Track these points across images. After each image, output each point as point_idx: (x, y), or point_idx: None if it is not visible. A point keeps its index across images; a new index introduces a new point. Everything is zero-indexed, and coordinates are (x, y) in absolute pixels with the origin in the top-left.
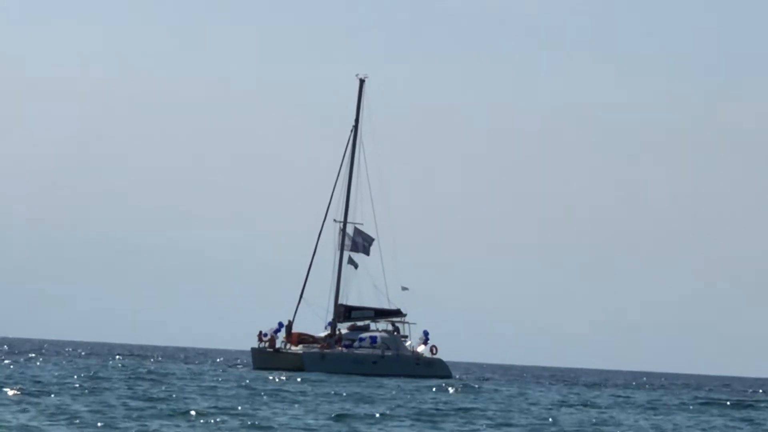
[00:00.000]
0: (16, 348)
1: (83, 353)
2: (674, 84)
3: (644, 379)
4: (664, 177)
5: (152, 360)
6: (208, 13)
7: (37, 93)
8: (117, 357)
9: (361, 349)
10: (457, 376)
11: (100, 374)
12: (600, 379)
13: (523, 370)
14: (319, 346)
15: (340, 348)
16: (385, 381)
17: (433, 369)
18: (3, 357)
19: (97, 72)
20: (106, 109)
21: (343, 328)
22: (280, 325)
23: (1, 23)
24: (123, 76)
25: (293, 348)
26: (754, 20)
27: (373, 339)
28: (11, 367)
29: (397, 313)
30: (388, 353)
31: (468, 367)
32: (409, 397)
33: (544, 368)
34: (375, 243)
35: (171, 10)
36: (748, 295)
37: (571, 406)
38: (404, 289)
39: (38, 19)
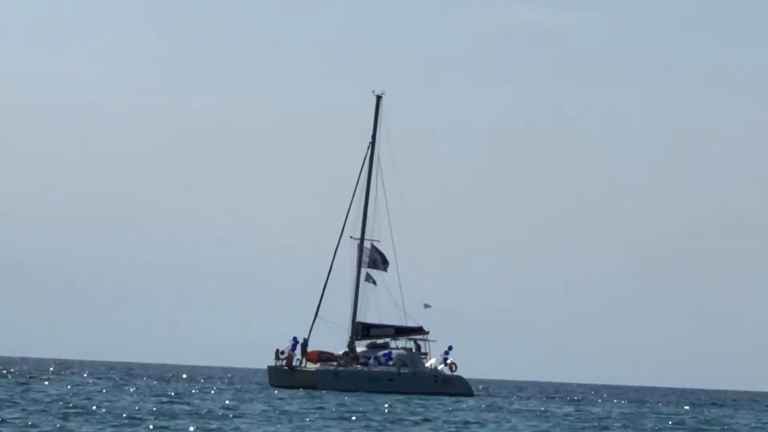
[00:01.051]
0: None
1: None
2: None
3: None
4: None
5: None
6: (224, 29)
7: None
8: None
9: (375, 367)
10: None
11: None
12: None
13: (545, 386)
14: (335, 364)
15: (356, 366)
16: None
17: (453, 387)
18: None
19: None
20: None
21: (363, 346)
22: (295, 340)
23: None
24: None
25: (309, 366)
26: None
27: (388, 356)
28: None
29: (419, 330)
30: (405, 371)
31: (491, 384)
32: None
33: (578, 384)
34: (392, 260)
35: (186, 28)
36: None
37: None
38: (426, 306)
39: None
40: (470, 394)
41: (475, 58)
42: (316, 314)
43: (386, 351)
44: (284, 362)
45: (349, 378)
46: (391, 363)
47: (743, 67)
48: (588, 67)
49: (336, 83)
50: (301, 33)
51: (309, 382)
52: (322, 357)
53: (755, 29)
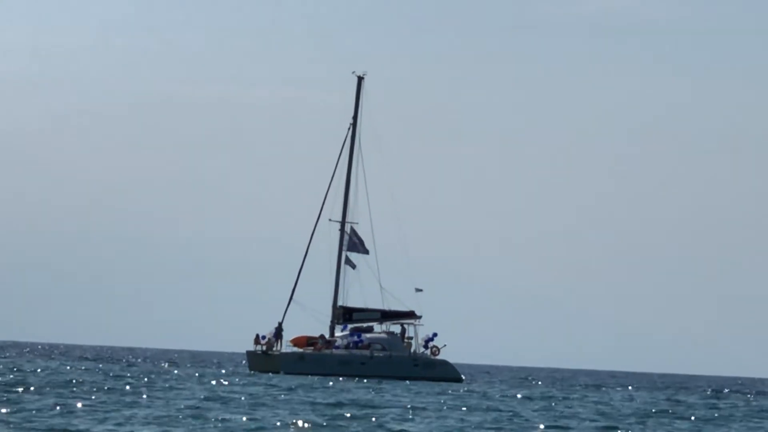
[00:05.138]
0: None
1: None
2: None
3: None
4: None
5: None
6: (202, 16)
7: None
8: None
9: (344, 348)
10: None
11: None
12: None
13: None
14: (313, 348)
15: (331, 350)
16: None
17: (436, 371)
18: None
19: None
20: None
21: (347, 331)
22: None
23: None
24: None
25: (284, 350)
26: None
27: (359, 339)
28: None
29: (411, 314)
30: (379, 354)
31: (482, 370)
32: None
33: (563, 370)
34: (372, 243)
35: (174, 12)
36: None
37: None
38: (418, 290)
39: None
40: (457, 380)
41: (457, 38)
42: (291, 298)
43: (357, 334)
44: (264, 347)
45: (316, 362)
46: (362, 345)
47: None
48: (565, 47)
49: (316, 63)
50: (285, 12)
51: (277, 367)
52: (311, 342)
53: None
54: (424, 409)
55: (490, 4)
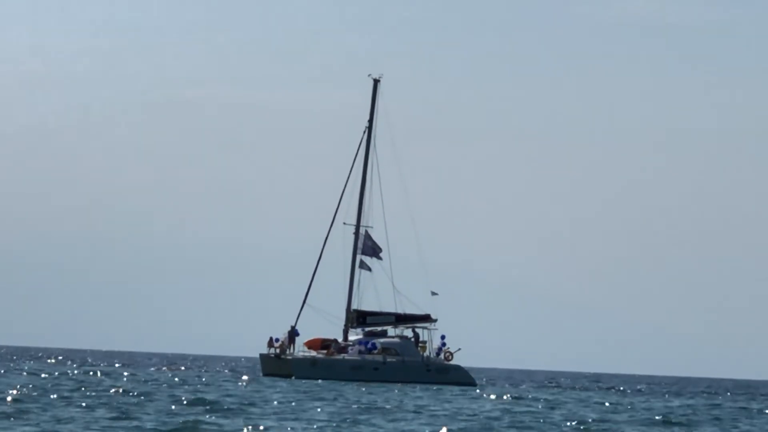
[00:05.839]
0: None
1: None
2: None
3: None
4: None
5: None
6: (216, 17)
7: None
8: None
9: (358, 355)
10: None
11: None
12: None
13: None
14: (326, 352)
15: (342, 355)
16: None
17: (450, 376)
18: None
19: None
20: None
21: (360, 335)
22: (296, 332)
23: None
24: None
25: (297, 354)
26: None
27: (372, 345)
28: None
29: (426, 318)
30: (392, 359)
31: (496, 375)
32: None
33: (582, 374)
34: (386, 247)
35: (182, 14)
36: None
37: None
38: (434, 294)
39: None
40: (471, 384)
41: (472, 41)
42: (304, 302)
43: (370, 339)
44: (277, 350)
45: (328, 367)
46: (375, 351)
47: None
48: (571, 51)
49: (331, 67)
50: (300, 13)
51: (289, 371)
52: (325, 344)
53: None
54: None
55: (515, 5)
